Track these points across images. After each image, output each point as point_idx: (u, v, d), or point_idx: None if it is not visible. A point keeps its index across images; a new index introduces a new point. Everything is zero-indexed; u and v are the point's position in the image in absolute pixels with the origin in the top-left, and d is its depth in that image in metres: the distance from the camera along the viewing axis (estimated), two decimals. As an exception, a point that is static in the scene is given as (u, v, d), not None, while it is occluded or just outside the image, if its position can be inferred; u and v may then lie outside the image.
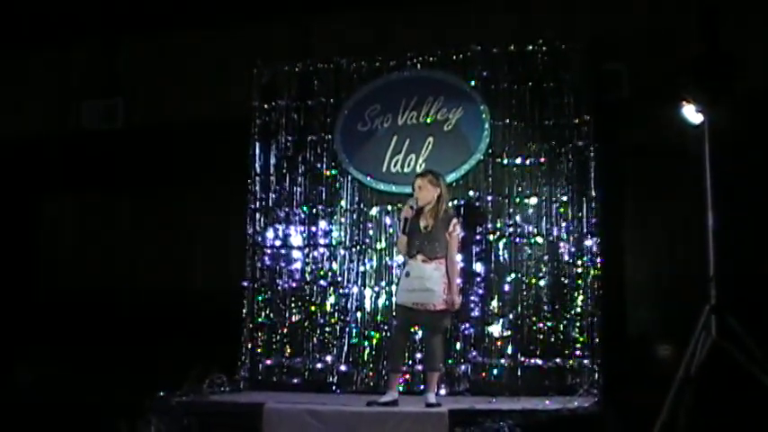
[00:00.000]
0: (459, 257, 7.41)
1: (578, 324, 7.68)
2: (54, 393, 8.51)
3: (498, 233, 7.98)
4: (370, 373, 8.07)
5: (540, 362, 7.69)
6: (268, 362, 8.32)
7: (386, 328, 8.06)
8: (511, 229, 7.97)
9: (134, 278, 9.38)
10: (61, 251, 9.85)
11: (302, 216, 8.53)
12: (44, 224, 10.00)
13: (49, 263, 9.84)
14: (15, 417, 8.12)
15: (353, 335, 8.20)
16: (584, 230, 7.80)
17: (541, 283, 7.85)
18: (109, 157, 9.61)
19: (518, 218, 7.97)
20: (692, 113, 6.60)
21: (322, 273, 8.40)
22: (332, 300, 8.33)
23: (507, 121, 8.12)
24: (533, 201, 7.97)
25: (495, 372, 7.79)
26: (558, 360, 7.64)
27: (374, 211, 8.37)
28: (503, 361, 7.78)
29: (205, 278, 9.20)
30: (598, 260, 7.73)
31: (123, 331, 8.97)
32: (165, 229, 9.46)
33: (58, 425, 7.92)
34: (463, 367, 7.85)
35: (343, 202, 8.46)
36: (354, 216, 8.42)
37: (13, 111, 10.07)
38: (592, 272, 7.72)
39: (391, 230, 8.23)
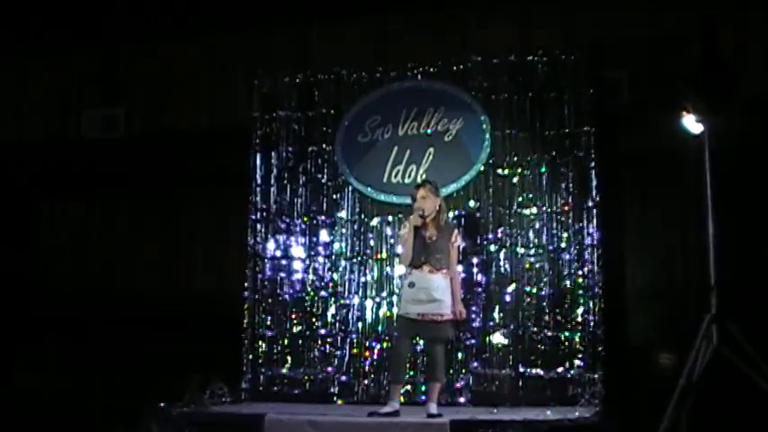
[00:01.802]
0: (459, 268, 7.42)
1: (579, 334, 7.66)
2: (54, 396, 8.53)
3: (499, 243, 7.97)
4: (372, 384, 8.05)
5: (541, 372, 7.68)
6: (269, 373, 8.31)
7: (387, 338, 8.04)
8: (511, 240, 7.96)
9: (134, 285, 9.41)
10: (61, 258, 9.87)
11: (303, 226, 8.53)
12: (44, 230, 10.01)
13: (49, 270, 9.85)
14: (14, 420, 8.14)
15: (354, 345, 8.19)
16: (585, 240, 7.79)
17: (542, 292, 7.83)
18: (110, 164, 9.64)
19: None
20: (692, 123, 6.59)
21: (322, 283, 8.39)
22: (333, 310, 8.32)
23: (508, 131, 8.12)
24: (534, 210, 7.96)
25: (496, 382, 7.78)
26: (559, 370, 7.63)
27: (375, 221, 8.36)
28: (504, 371, 7.77)
29: (205, 286, 9.21)
30: (599, 269, 7.71)
31: (124, 335, 8.97)
32: (164, 236, 9.49)
33: (59, 428, 7.93)
34: (464, 378, 7.83)
35: (343, 213, 8.46)
36: (355, 227, 8.42)
37: (15, 118, 10.11)
38: (593, 281, 7.70)
39: (392, 241, 8.23)
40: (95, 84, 9.89)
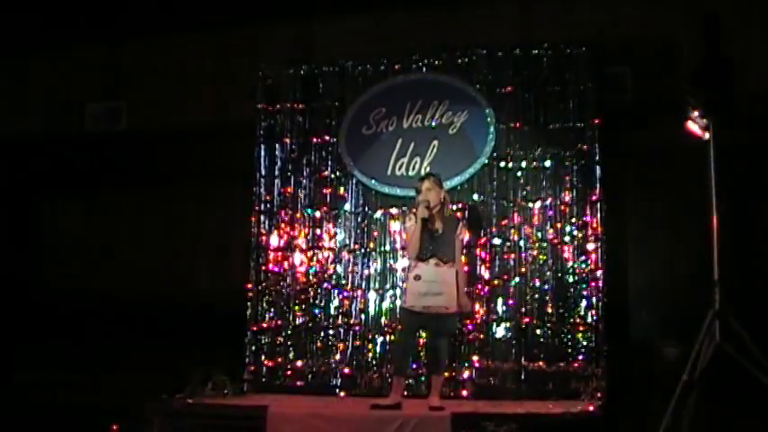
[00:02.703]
0: (463, 259, 7.45)
1: (582, 328, 7.67)
2: (54, 395, 8.53)
3: (502, 237, 7.98)
4: (375, 376, 8.06)
5: (543, 366, 7.69)
6: (272, 365, 8.31)
7: (389, 330, 8.05)
8: (515, 233, 7.98)
9: (136, 279, 9.38)
10: (63, 252, 9.85)
11: (306, 219, 8.53)
12: (46, 225, 10.00)
13: (51, 264, 9.83)
14: (13, 420, 8.15)
15: (357, 338, 8.20)
16: (589, 234, 7.79)
17: (545, 287, 7.85)
18: (112, 158, 9.63)
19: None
20: (695, 120, 6.59)
21: (326, 276, 8.40)
22: (336, 303, 8.33)
23: (512, 124, 8.12)
24: (537, 204, 7.97)
25: (498, 375, 7.79)
26: (561, 364, 7.63)
27: (378, 214, 8.36)
28: (506, 365, 7.77)
29: (208, 279, 9.20)
30: (602, 264, 7.72)
31: (126, 332, 8.98)
32: (168, 230, 9.49)
33: (59, 427, 7.94)
34: (467, 371, 7.85)
35: (347, 205, 8.46)
36: (359, 219, 8.42)
37: (17, 112, 10.09)
38: (595, 276, 7.71)
39: (396, 234, 8.24)
40: (98, 78, 9.89)
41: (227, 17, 9.21)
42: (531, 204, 7.99)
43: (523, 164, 8.05)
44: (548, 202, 7.96)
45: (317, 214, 8.50)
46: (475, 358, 7.84)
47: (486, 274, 7.96)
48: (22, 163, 9.89)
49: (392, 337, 7.96)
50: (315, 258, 8.45)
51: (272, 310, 8.42)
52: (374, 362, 8.11)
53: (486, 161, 8.11)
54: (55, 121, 9.98)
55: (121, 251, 9.59)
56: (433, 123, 8.29)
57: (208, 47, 9.56)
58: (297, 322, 8.36)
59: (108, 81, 9.87)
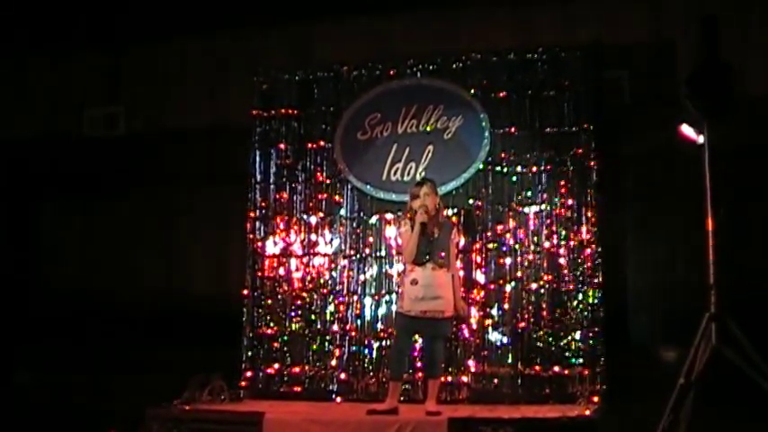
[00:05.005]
0: (459, 264, 7.44)
1: (579, 332, 7.66)
2: (54, 395, 8.53)
3: (498, 241, 7.97)
4: (371, 382, 8.05)
5: (540, 370, 7.67)
6: (268, 370, 8.30)
7: (385, 336, 8.04)
8: (510, 237, 7.96)
9: (134, 284, 9.41)
10: (64, 253, 9.86)
11: (302, 224, 8.51)
12: (46, 225, 10.00)
13: (51, 264, 9.84)
14: (13, 420, 8.14)
15: (353, 343, 8.18)
16: (585, 238, 7.78)
17: (542, 291, 7.83)
18: (110, 162, 9.64)
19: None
20: (692, 123, 6.57)
21: (321, 281, 8.38)
22: (332, 308, 8.31)
23: (507, 129, 8.11)
24: (534, 209, 7.96)
25: (495, 380, 7.77)
26: (558, 368, 7.62)
27: (374, 219, 8.35)
28: (503, 369, 7.76)
29: (204, 284, 9.21)
30: (599, 268, 7.71)
31: (125, 333, 8.99)
32: (164, 234, 9.50)
33: (59, 428, 7.93)
34: (464, 376, 7.83)
35: (342, 211, 8.45)
36: (354, 224, 8.41)
37: (17, 115, 10.11)
38: (592, 279, 7.70)
39: (392, 239, 8.23)
40: (97, 83, 9.91)
41: (225, 22, 9.23)
42: (526, 209, 7.98)
43: (519, 168, 8.05)
44: (543, 206, 7.95)
45: (313, 220, 8.49)
46: (471, 363, 7.83)
47: (482, 279, 7.95)
48: (22, 164, 9.90)
49: (388, 342, 7.93)
50: (310, 264, 8.44)
51: (269, 316, 8.40)
52: (370, 367, 8.10)
53: (482, 166, 8.11)
54: (55, 124, 10.00)
55: (119, 254, 9.60)
56: (428, 128, 8.28)
57: (206, 52, 9.61)
58: (293, 328, 8.35)
59: (107, 85, 9.90)
